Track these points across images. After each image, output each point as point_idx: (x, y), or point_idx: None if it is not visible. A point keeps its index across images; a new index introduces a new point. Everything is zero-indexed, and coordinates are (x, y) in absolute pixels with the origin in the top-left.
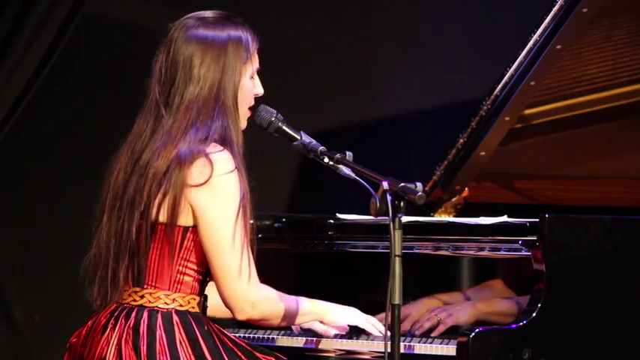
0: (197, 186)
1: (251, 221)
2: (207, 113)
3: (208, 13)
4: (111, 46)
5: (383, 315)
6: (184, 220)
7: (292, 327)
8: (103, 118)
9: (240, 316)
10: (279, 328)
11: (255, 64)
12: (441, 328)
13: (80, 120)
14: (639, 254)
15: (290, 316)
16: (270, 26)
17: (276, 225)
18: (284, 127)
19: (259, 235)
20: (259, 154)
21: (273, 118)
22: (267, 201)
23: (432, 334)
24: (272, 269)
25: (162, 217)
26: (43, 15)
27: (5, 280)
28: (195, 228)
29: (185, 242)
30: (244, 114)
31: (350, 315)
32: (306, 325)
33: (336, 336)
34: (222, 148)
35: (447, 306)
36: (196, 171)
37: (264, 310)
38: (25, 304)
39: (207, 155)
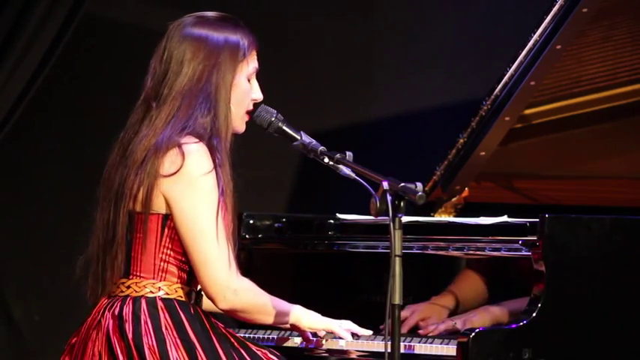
0: (168, 176)
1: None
2: (191, 103)
3: (209, 13)
4: (111, 46)
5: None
6: (158, 208)
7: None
8: (103, 118)
9: (223, 304)
10: (264, 327)
11: (251, 65)
12: (454, 329)
13: (80, 120)
14: (639, 254)
15: (270, 313)
16: (270, 26)
17: (276, 225)
18: (284, 127)
19: (259, 235)
20: (259, 154)
21: (273, 118)
22: (267, 201)
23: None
24: (272, 269)
25: (138, 207)
26: (43, 15)
27: (5, 281)
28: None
29: (166, 230)
30: (241, 116)
31: (324, 321)
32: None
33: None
34: (196, 140)
35: (463, 314)
36: (169, 161)
37: (246, 299)
38: (25, 304)
39: (180, 146)
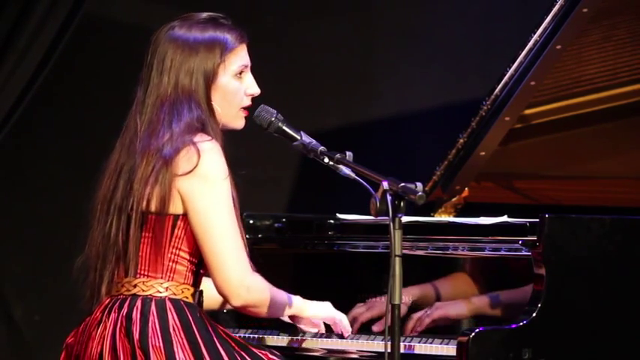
0: (185, 174)
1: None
2: (182, 110)
3: (196, 15)
4: (111, 46)
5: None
6: (174, 208)
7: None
8: (103, 118)
9: (236, 302)
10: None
11: (236, 62)
12: (427, 321)
13: (80, 120)
14: (639, 254)
15: (278, 306)
16: (270, 26)
17: (276, 225)
18: (284, 127)
19: (259, 235)
20: (259, 154)
21: (273, 118)
22: (267, 201)
23: (418, 328)
24: (273, 269)
25: (153, 207)
26: (43, 15)
27: (5, 280)
28: (185, 216)
29: (176, 231)
30: (234, 114)
31: (325, 311)
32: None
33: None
34: (210, 137)
35: (440, 302)
36: (184, 160)
37: (259, 296)
38: (25, 304)
39: (194, 144)
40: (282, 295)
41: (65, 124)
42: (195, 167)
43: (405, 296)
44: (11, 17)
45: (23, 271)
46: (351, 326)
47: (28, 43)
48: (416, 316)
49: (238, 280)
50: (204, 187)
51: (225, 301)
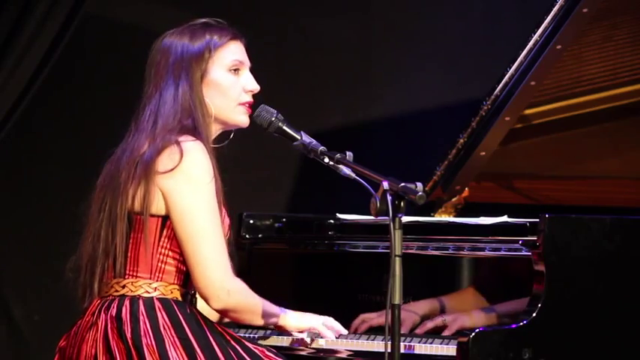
0: (167, 172)
1: (226, 220)
2: (169, 113)
3: (193, 22)
4: (111, 46)
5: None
6: (156, 208)
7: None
8: (103, 118)
9: (216, 304)
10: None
11: (227, 57)
12: (445, 333)
13: (80, 120)
14: (639, 254)
15: (259, 314)
16: (270, 26)
17: (276, 225)
18: (284, 127)
19: (259, 235)
20: (259, 154)
21: (273, 118)
22: (267, 201)
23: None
24: (273, 269)
25: (137, 207)
26: (43, 15)
27: (5, 280)
28: None
29: (165, 231)
30: (232, 109)
31: (309, 320)
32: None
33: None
34: (194, 138)
35: (456, 313)
36: (166, 157)
37: (239, 299)
38: (25, 304)
39: (178, 143)
40: (264, 303)
41: (65, 125)
42: (177, 165)
43: (413, 309)
44: (11, 17)
45: (23, 271)
46: (359, 328)
47: (28, 43)
48: (430, 325)
49: (219, 282)
50: (187, 187)
51: (206, 303)
